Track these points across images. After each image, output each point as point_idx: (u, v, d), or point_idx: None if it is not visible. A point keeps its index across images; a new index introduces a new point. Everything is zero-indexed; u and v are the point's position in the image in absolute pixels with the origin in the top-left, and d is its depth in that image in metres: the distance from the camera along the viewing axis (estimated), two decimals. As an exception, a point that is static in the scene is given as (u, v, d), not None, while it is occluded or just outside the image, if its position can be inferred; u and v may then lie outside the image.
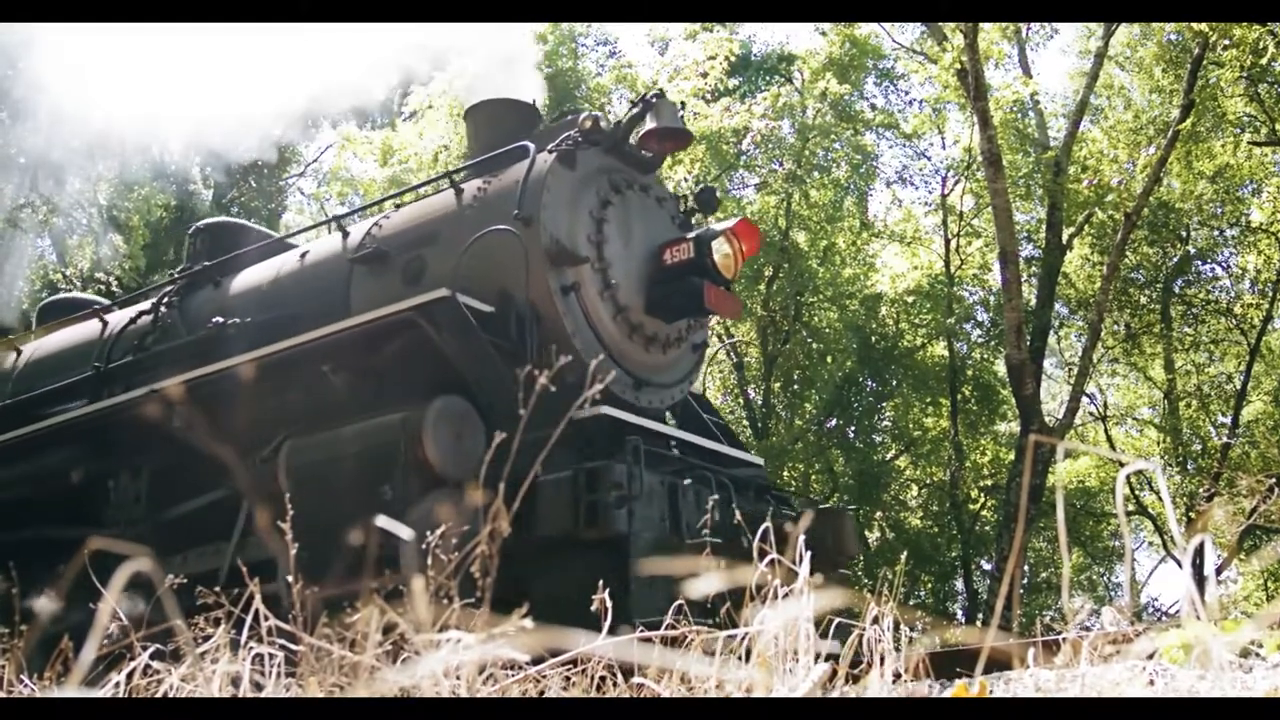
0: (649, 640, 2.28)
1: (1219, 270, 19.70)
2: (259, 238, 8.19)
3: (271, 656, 1.85)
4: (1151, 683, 1.70)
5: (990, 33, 13.62)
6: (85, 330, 8.44)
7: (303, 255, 7.00)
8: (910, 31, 19.13)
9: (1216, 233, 19.06)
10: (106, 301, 10.41)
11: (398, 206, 7.37)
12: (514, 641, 1.44)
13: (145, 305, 7.79)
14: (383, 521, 1.55)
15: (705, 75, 15.91)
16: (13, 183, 24.82)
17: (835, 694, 1.99)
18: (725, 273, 6.20)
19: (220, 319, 6.80)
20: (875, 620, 2.20)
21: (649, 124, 6.34)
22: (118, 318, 8.06)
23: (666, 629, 2.44)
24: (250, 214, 29.17)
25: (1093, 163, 15.89)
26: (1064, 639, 1.67)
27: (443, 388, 5.34)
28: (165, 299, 7.67)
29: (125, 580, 1.29)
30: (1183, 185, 17.58)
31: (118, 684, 1.85)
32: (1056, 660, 1.62)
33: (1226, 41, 13.25)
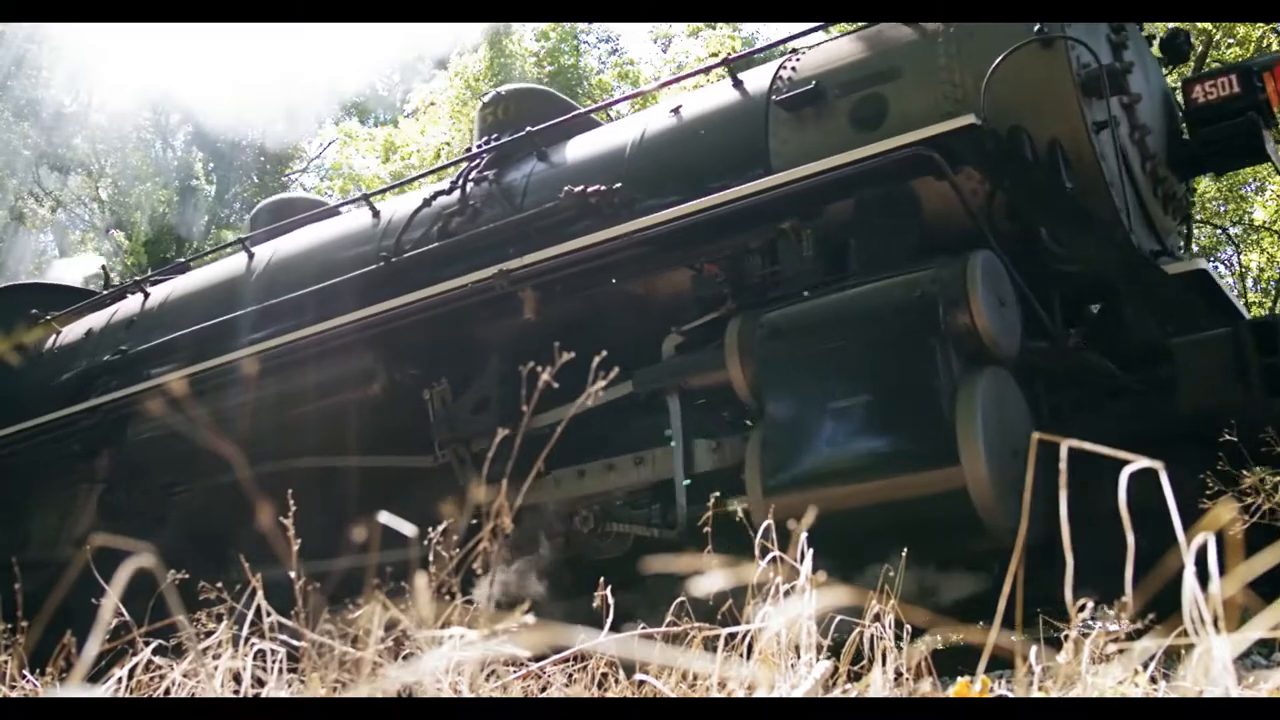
0: (650, 638, 2.29)
1: (1222, 269, 19.69)
2: (565, 108, 7.01)
3: (273, 652, 1.85)
4: (1154, 681, 1.70)
5: None
6: (342, 225, 7.20)
7: (674, 110, 5.84)
8: None
9: (1219, 231, 19.05)
10: (329, 199, 9.68)
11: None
12: (516, 639, 1.44)
13: (440, 186, 6.62)
14: (385, 518, 1.54)
15: None
16: (16, 177, 24.83)
17: (837, 693, 1.99)
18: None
19: (574, 187, 5.66)
20: (877, 617, 2.20)
21: None
22: (395, 205, 6.86)
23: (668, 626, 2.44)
24: (252, 209, 29.20)
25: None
26: (1065, 637, 1.67)
27: (923, 252, 4.52)
28: (470, 176, 6.42)
29: (128, 577, 1.29)
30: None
31: (119, 680, 1.86)
32: (1059, 659, 1.62)
33: (1230, 40, 13.23)
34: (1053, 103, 4.68)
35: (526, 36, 19.73)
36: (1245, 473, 3.53)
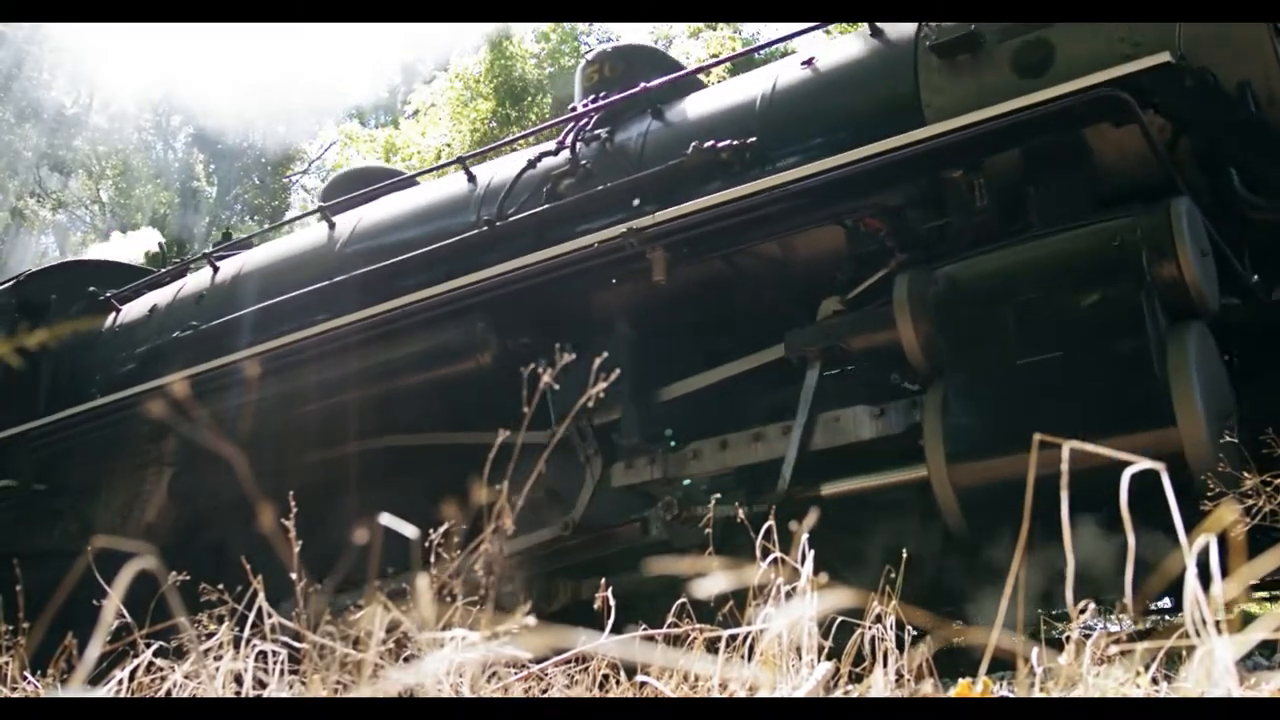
0: (652, 639, 2.28)
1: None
2: (672, 65, 6.66)
3: (275, 654, 1.85)
4: (1155, 682, 1.70)
5: None
6: (433, 192, 6.84)
7: (806, 62, 5.45)
8: None
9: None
10: (403, 170, 9.14)
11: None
12: (518, 640, 1.44)
13: (543, 147, 6.24)
14: (386, 519, 1.54)
15: None
16: (18, 179, 24.84)
17: (838, 693, 1.99)
18: None
19: (702, 142, 5.32)
20: (878, 619, 2.20)
21: None
22: (493, 170, 6.50)
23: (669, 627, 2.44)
24: (254, 211, 29.22)
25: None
26: (1067, 639, 1.66)
27: (1104, 204, 4.23)
28: (579, 135, 6.07)
29: (131, 579, 1.29)
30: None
31: (120, 681, 1.86)
32: (1060, 660, 1.61)
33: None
34: (1243, 41, 4.37)
35: (527, 38, 19.75)
36: (1246, 474, 3.52)
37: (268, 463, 6.36)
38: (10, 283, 8.88)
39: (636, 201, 5.43)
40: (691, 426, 5.30)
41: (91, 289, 8.56)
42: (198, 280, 7.88)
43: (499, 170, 6.39)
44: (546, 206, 5.84)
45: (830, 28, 11.61)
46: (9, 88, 25.58)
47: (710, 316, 5.51)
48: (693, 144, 5.34)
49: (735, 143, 5.24)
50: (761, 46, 9.40)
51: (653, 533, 5.21)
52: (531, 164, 6.11)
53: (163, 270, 9.08)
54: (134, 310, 8.22)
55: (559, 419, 5.49)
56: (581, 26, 21.13)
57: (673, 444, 5.63)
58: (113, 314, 8.38)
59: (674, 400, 5.45)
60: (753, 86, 5.61)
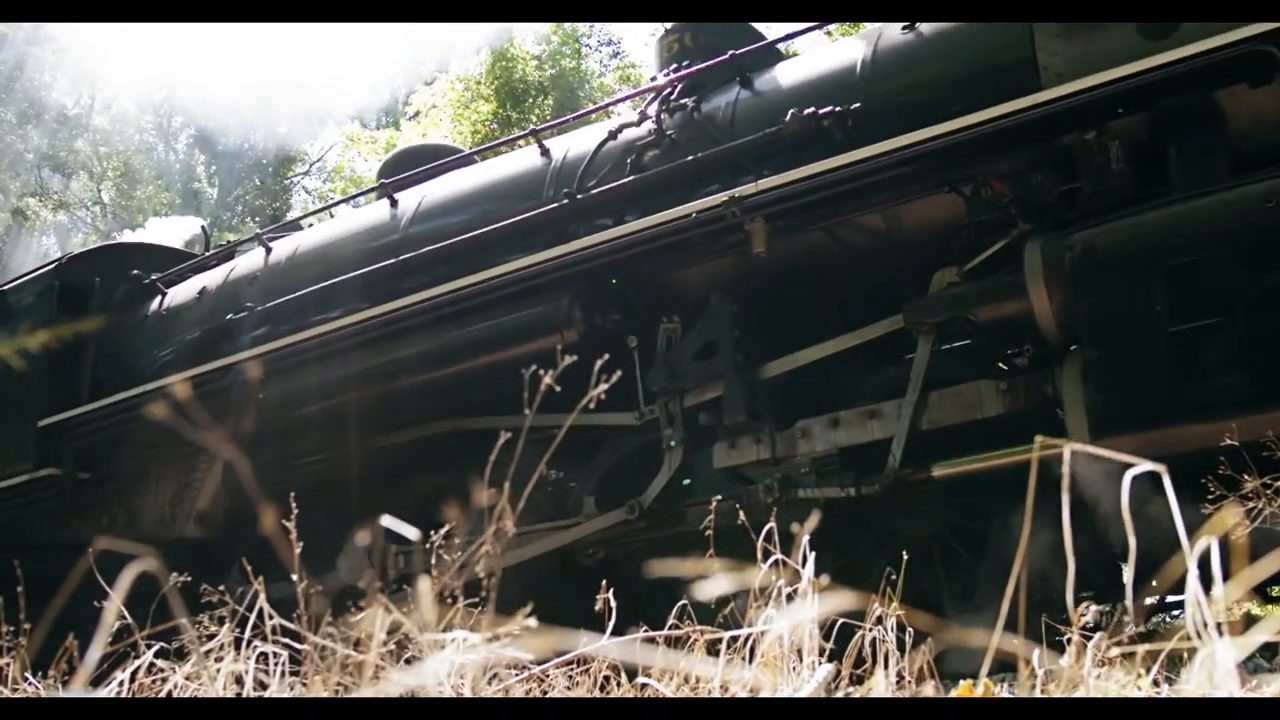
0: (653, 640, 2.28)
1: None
2: (755, 36, 6.42)
3: (276, 655, 1.85)
4: (1156, 684, 1.70)
5: None
6: (503, 167, 6.59)
7: (907, 27, 5.21)
8: None
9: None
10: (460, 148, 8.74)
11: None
12: (519, 642, 1.44)
13: (623, 119, 6.02)
14: (388, 521, 1.53)
15: None
16: (19, 179, 24.85)
17: (840, 695, 1.99)
18: None
19: (801, 109, 5.06)
20: (879, 620, 2.20)
21: None
22: (568, 143, 6.26)
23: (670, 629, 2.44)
24: (255, 212, 29.24)
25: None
26: (1068, 640, 1.66)
27: (1241, 168, 4.07)
28: (663, 106, 5.82)
29: (132, 580, 1.29)
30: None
31: (121, 682, 1.86)
32: (1061, 661, 1.61)
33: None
34: None
35: (528, 40, 19.76)
36: (1247, 478, 3.51)
37: (332, 447, 6.23)
38: (52, 265, 8.58)
39: (719, 180, 5.23)
40: (791, 407, 5.10)
41: (135, 272, 8.31)
42: (250, 262, 7.60)
43: (574, 144, 6.16)
44: (632, 178, 5.60)
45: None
46: (11, 88, 25.60)
47: (806, 291, 5.34)
48: (790, 111, 5.10)
49: (838, 109, 5.00)
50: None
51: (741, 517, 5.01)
52: (612, 135, 5.89)
53: (207, 254, 8.78)
54: (181, 293, 7.94)
55: (650, 400, 5.28)
56: (582, 28, 21.14)
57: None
58: (158, 297, 8.11)
59: (775, 380, 5.20)
60: (849, 52, 5.41)
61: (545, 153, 6.20)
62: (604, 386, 1.56)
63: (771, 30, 8.13)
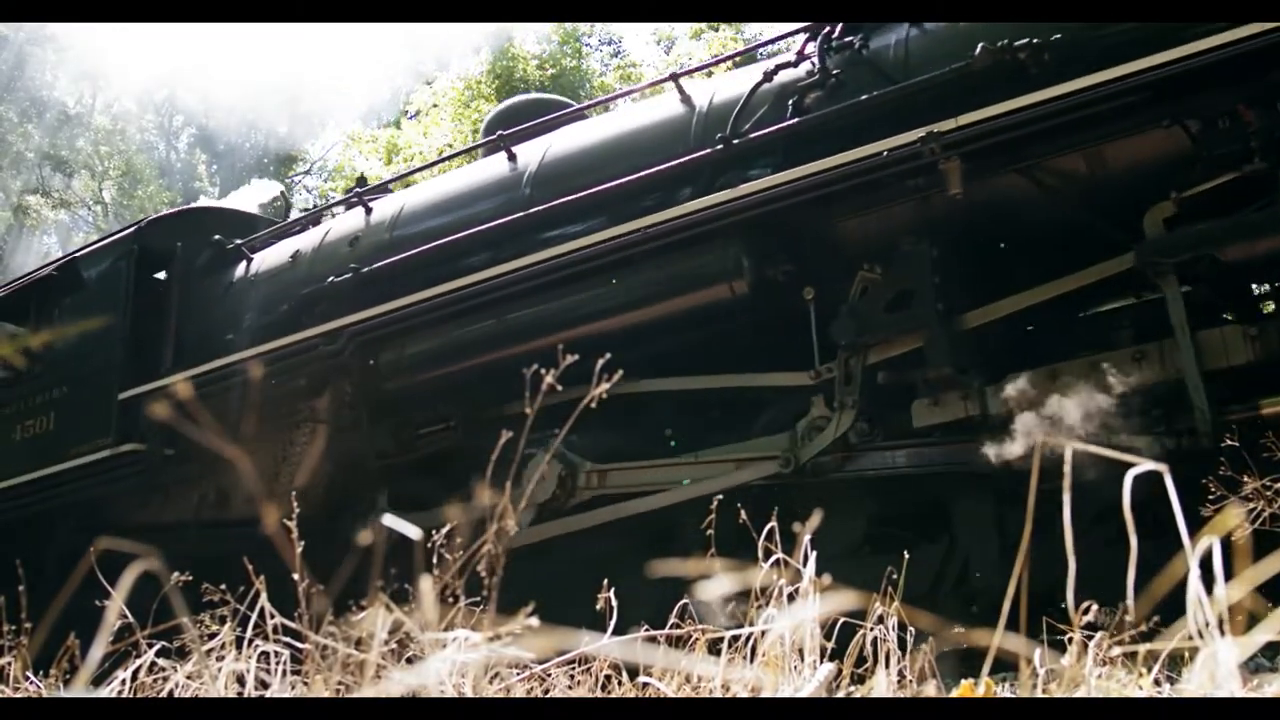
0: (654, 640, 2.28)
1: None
2: None
3: (277, 654, 1.85)
4: (1157, 684, 1.70)
5: None
6: (639, 115, 6.16)
7: None
8: None
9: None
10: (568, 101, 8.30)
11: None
12: (520, 641, 1.43)
13: (780, 59, 5.63)
14: (389, 520, 1.53)
15: None
16: (20, 178, 24.85)
17: (841, 694, 1.99)
18: None
19: (992, 42, 4.60)
20: (880, 620, 2.19)
21: None
22: (714, 87, 5.83)
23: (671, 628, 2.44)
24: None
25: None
26: (1069, 640, 1.66)
27: None
28: (825, 46, 5.36)
29: (134, 579, 1.29)
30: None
31: (123, 681, 1.86)
32: (1062, 661, 1.61)
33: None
34: None
35: (528, 40, 19.76)
36: (1247, 478, 3.51)
37: (455, 418, 5.91)
38: (131, 229, 8.24)
39: (889, 123, 4.86)
40: (1016, 358, 4.67)
41: (217, 237, 7.93)
42: (347, 223, 7.19)
43: (722, 88, 5.76)
44: (795, 120, 5.17)
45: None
46: (12, 87, 25.60)
47: (1007, 239, 5.02)
48: (980, 44, 4.63)
49: (1035, 41, 4.51)
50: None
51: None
52: (767, 76, 5.48)
53: (291, 220, 8.40)
54: (270, 258, 7.52)
55: (823, 359, 4.84)
56: (583, 27, 21.13)
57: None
58: (244, 262, 7.68)
59: (975, 331, 4.76)
60: None
61: (687, 99, 5.79)
62: (604, 387, 1.54)
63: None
